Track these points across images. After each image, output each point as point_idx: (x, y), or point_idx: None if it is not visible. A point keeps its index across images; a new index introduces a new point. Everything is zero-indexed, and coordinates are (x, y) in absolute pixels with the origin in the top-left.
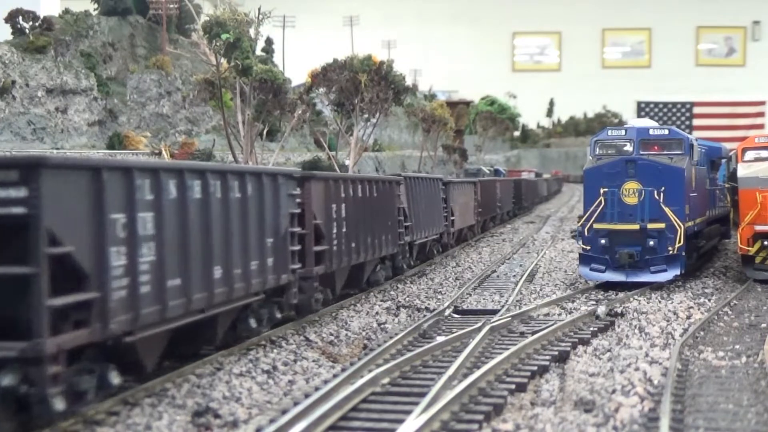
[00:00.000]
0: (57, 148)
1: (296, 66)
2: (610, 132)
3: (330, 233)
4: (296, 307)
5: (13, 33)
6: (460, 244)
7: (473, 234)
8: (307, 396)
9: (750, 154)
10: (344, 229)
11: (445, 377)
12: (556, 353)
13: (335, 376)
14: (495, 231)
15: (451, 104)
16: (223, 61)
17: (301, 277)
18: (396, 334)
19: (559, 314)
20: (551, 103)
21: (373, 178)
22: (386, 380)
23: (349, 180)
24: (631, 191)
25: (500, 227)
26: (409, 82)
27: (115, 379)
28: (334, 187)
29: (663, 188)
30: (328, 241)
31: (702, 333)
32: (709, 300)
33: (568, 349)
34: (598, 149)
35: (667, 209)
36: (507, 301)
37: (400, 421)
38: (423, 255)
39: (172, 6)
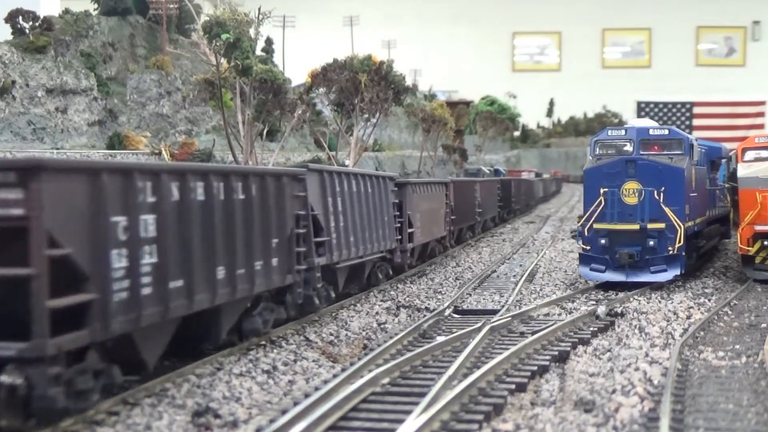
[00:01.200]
0: (57, 148)
1: (296, 66)
2: (610, 132)
3: (104, 270)
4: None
5: (13, 33)
6: (427, 262)
7: (443, 248)
8: (307, 396)
9: (750, 154)
10: (152, 259)
11: (445, 377)
12: (556, 353)
13: (335, 376)
14: (493, 232)
15: (451, 104)
16: (223, 61)
17: (15, 363)
18: (396, 334)
19: (559, 314)
20: (551, 103)
21: (228, 170)
22: (386, 380)
23: (164, 173)
24: (631, 191)
25: (497, 229)
26: (409, 82)
27: None
28: (120, 187)
29: (663, 188)
30: (97, 286)
31: (702, 333)
32: (709, 300)
33: (568, 349)
34: (598, 149)
35: (667, 209)
36: (507, 301)
37: (400, 421)
38: (358, 280)
39: (172, 6)
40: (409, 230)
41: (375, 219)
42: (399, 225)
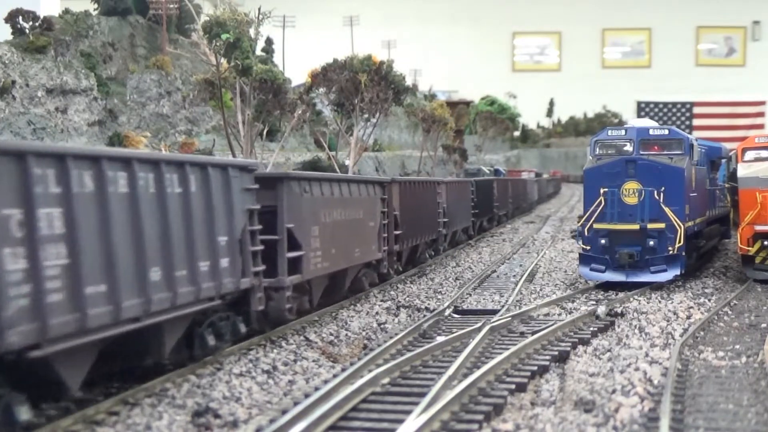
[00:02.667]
0: None
1: (296, 66)
2: (610, 132)
3: None
4: None
5: (13, 33)
6: (352, 298)
7: (380, 276)
8: (307, 396)
9: (750, 154)
10: None
11: (445, 377)
12: (556, 353)
13: (335, 376)
14: (494, 232)
15: (451, 104)
16: (223, 61)
17: None
18: (396, 334)
19: (559, 314)
20: (551, 103)
21: None
22: (386, 380)
23: None
24: (631, 191)
25: (497, 229)
26: (409, 82)
27: None
28: None
29: (663, 188)
30: None
31: (702, 333)
32: (709, 300)
33: (568, 349)
34: (598, 149)
35: (667, 209)
36: (507, 301)
37: (400, 421)
38: (134, 358)
39: (172, 6)
40: (292, 254)
41: (187, 242)
42: (258, 249)
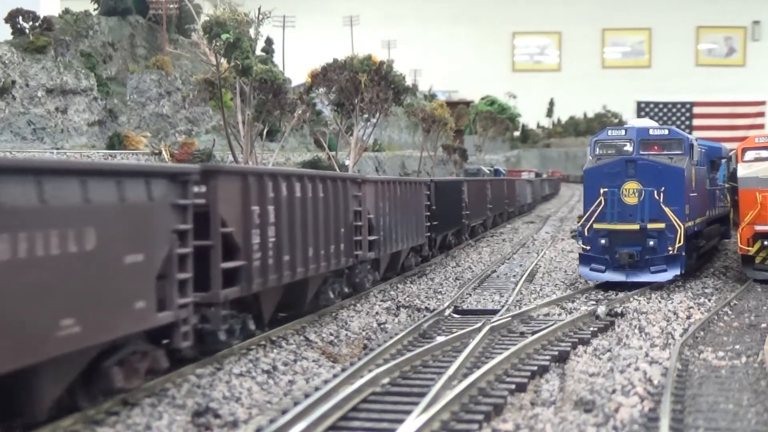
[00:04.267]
0: (57, 148)
1: (296, 66)
2: (610, 132)
3: None
4: None
5: (13, 33)
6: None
7: (199, 350)
8: (307, 396)
9: (750, 154)
10: None
11: (445, 377)
12: (556, 353)
13: (335, 376)
14: (494, 232)
15: (451, 104)
16: (223, 61)
17: None
18: (396, 334)
19: (559, 314)
20: (551, 103)
21: None
22: (386, 380)
23: None
24: (631, 191)
25: (497, 229)
26: (409, 82)
27: None
28: None
29: (663, 188)
30: None
31: (702, 333)
32: (709, 300)
33: (568, 349)
34: (598, 149)
35: (667, 209)
36: (507, 301)
37: (400, 421)
38: None
39: (172, 6)
40: None
41: None
42: None
